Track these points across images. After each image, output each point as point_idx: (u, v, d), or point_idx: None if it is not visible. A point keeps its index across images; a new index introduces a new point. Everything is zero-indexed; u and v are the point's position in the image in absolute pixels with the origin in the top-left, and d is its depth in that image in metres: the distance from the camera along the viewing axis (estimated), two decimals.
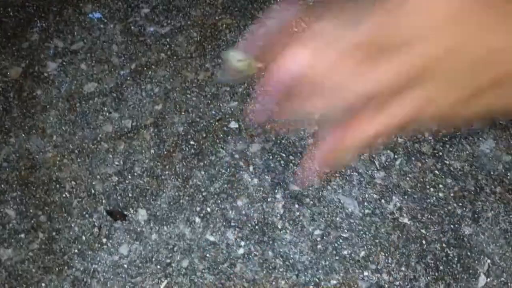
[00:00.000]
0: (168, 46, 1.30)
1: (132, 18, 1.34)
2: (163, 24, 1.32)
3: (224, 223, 1.12)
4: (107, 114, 1.24)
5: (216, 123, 1.22)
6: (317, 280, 1.06)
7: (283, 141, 1.19)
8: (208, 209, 1.14)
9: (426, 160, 1.15)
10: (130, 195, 1.15)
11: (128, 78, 1.27)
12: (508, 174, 1.12)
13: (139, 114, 1.23)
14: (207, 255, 1.09)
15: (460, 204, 1.11)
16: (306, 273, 1.06)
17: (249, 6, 1.32)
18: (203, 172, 1.17)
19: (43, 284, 1.06)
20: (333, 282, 1.05)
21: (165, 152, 1.19)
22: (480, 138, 1.15)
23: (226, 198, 1.14)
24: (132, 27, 1.32)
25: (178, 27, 1.32)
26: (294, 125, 1.05)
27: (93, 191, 1.16)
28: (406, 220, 1.11)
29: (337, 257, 1.08)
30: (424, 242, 1.08)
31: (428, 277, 1.04)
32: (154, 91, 1.25)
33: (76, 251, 1.09)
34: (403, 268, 1.06)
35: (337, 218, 1.12)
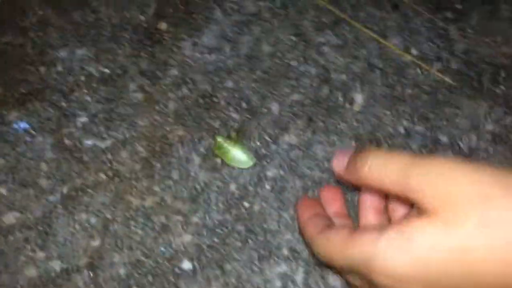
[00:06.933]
0: (109, 164, 1.10)
1: (66, 129, 1.13)
2: (104, 137, 1.13)
3: None
4: (31, 253, 1.01)
5: (166, 263, 1.02)
6: None
7: (247, 286, 1.00)
8: None
9: None
10: None
11: (59, 205, 1.05)
12: None
13: (70, 253, 1.01)
14: None
15: None
16: None
17: (205, 114, 1.15)
18: None
19: None
20: None
21: None
22: None
23: None
24: (66, 140, 1.12)
25: (122, 140, 1.13)
26: None
27: None
28: None
29: None
30: None
31: None
32: (91, 223, 1.04)
33: None
34: None
35: None
